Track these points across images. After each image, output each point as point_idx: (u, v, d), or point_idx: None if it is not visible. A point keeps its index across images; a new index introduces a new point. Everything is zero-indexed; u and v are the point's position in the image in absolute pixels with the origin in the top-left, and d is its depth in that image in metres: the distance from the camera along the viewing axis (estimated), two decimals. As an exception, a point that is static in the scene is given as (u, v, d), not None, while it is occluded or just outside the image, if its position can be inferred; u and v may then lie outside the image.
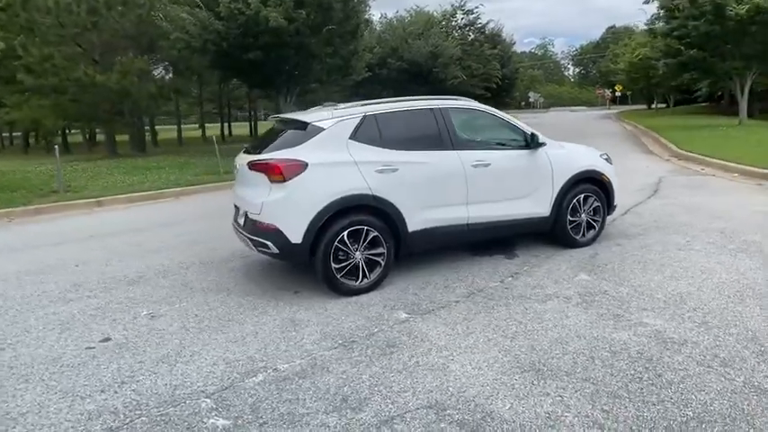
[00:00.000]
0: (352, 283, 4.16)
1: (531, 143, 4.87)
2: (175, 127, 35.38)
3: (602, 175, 5.28)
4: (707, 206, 6.93)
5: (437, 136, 4.55)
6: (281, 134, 4.50)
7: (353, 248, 4.12)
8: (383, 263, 4.25)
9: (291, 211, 3.98)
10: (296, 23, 14.59)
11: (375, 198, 4.15)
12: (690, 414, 2.41)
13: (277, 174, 3.96)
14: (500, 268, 4.71)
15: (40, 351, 3.43)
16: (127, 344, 3.49)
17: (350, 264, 4.13)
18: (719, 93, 34.88)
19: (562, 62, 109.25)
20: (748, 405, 2.46)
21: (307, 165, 3.96)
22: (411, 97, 4.78)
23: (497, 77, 33.33)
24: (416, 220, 4.33)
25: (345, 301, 4.06)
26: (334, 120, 4.19)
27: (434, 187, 4.43)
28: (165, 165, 15.06)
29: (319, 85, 19.13)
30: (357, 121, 4.25)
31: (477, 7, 34.07)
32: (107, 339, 3.58)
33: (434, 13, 31.56)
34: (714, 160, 11.01)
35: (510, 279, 4.42)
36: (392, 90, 25.78)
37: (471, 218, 4.61)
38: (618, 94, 57.00)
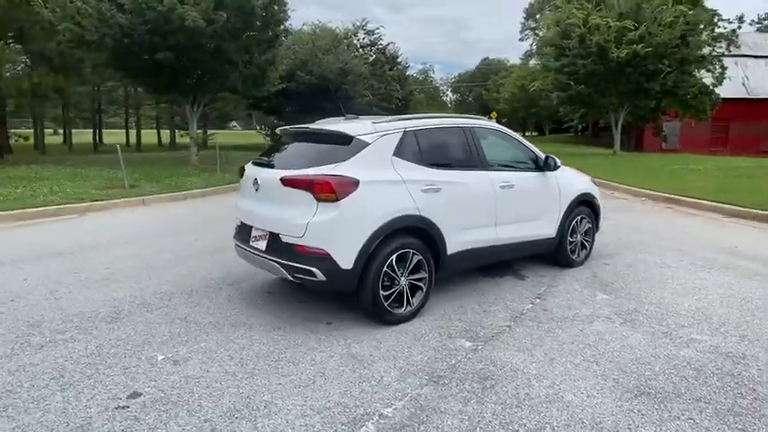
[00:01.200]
0: (397, 311, 3.91)
1: (544, 166, 5.06)
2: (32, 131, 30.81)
3: (594, 198, 5.67)
4: (645, 226, 7.79)
5: (469, 155, 4.52)
6: (310, 146, 4.13)
7: (399, 273, 3.88)
8: (425, 288, 4.07)
9: (344, 233, 3.63)
10: (215, 25, 13.67)
11: (422, 219, 3.96)
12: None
13: (327, 192, 3.60)
14: (520, 289, 4.78)
15: (49, 418, 2.66)
16: (168, 398, 2.86)
17: (395, 290, 3.88)
18: (586, 125, 40.02)
19: (441, 88, 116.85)
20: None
21: (358, 182, 3.66)
22: (429, 114, 4.66)
23: (398, 98, 34.48)
24: (455, 242, 4.22)
25: (393, 331, 3.80)
26: (377, 134, 3.94)
27: (471, 208, 4.37)
28: (48, 176, 12.98)
29: (229, 94, 18.06)
30: (399, 136, 4.05)
31: (377, 28, 35.17)
32: (136, 395, 2.91)
33: (337, 29, 31.85)
34: (619, 185, 12.49)
35: (539, 300, 4.50)
36: (298, 105, 25.34)
37: (498, 239, 4.62)
38: (494, 121, 62.58)
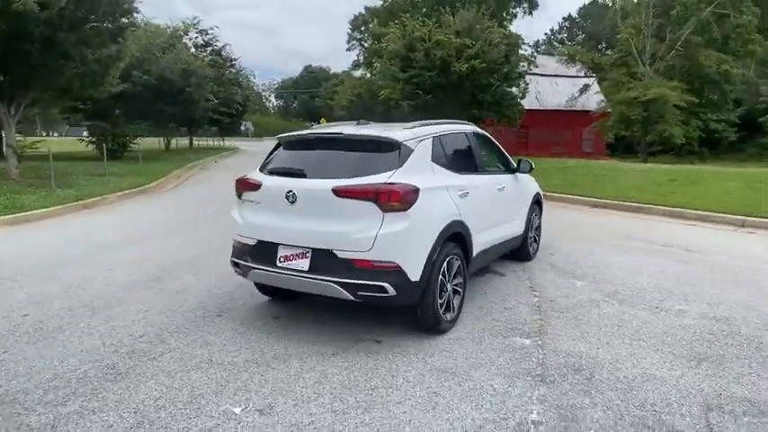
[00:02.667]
0: (447, 317, 3.87)
1: (517, 168, 5.48)
2: None
3: (541, 195, 6.33)
4: (581, 222, 8.82)
5: (474, 160, 4.68)
6: (346, 154, 3.82)
7: (447, 280, 3.86)
8: (462, 292, 4.11)
9: (413, 244, 3.47)
10: (50, 11, 11.38)
11: (462, 224, 4.00)
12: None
13: (395, 201, 3.40)
14: (511, 285, 5.12)
15: None
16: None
17: (445, 298, 3.84)
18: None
19: (264, 93, 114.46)
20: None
21: (419, 190, 3.53)
22: (429, 121, 4.66)
23: (238, 102, 32.78)
24: (477, 243, 4.34)
25: (448, 339, 3.78)
26: (417, 139, 3.86)
27: (486, 211, 4.55)
28: None
29: (55, 94, 15.10)
30: (431, 142, 4.02)
31: (212, 28, 32.85)
32: (261, 458, 2.39)
33: (165, 27, 28.93)
34: None
35: (537, 293, 4.88)
36: (134, 108, 22.37)
37: (496, 239, 4.88)
38: None
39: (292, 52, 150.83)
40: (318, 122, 65.23)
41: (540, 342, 3.73)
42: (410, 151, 3.72)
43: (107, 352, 3.57)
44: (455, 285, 3.99)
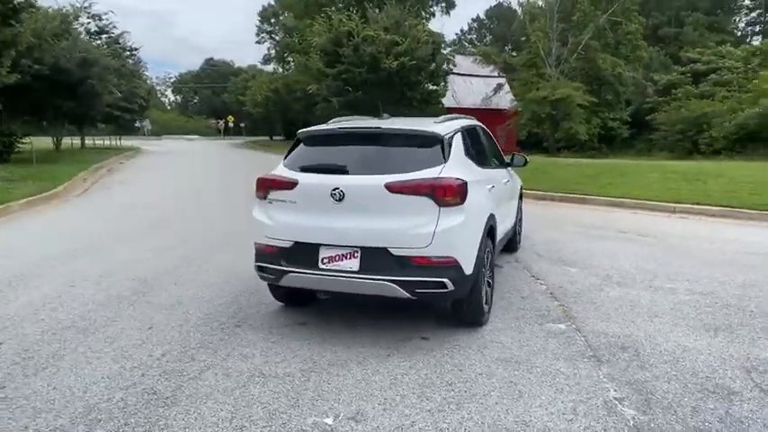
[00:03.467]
0: (485, 309, 3.98)
1: (510, 163, 5.73)
2: None
3: (522, 188, 6.67)
4: (539, 214, 9.19)
5: (485, 154, 4.84)
6: (387, 149, 3.78)
7: (486, 272, 3.97)
8: (492, 284, 4.24)
9: (468, 238, 3.53)
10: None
11: (494, 218, 4.13)
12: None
13: (451, 195, 3.43)
14: (515, 275, 5.37)
15: None
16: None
17: (484, 290, 3.95)
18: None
19: (158, 88, 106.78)
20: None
21: (467, 184, 3.59)
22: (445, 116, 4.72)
23: (141, 97, 30.40)
24: (498, 236, 4.50)
25: (490, 331, 3.89)
26: (452, 133, 3.91)
27: (502, 204, 4.73)
28: None
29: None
30: (461, 135, 4.09)
31: (106, 13, 29.93)
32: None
33: (49, 10, 25.97)
34: None
35: (542, 281, 5.16)
36: (25, 103, 19.86)
37: (505, 231, 5.09)
38: (231, 124, 62.03)
39: (188, 43, 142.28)
40: (225, 120, 62.50)
41: (574, 326, 3.96)
42: (450, 145, 3.77)
43: (135, 375, 3.22)
44: (488, 278, 4.11)
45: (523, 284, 5.03)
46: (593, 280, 5.17)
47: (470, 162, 4.10)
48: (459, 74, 43.34)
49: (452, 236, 3.43)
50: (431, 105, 25.42)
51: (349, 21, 22.46)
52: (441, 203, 3.42)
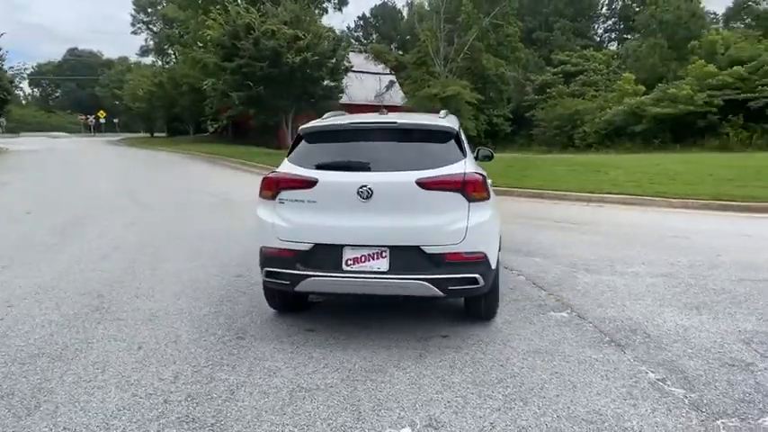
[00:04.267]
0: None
1: (476, 157, 5.82)
2: None
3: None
4: None
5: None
6: (404, 144, 3.65)
7: (496, 267, 4.01)
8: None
9: (493, 232, 3.52)
10: None
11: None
12: None
13: (479, 190, 3.41)
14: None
15: None
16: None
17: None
18: (226, 126, 41.06)
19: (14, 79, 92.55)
20: None
21: (485, 177, 3.60)
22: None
23: (4, 89, 26.07)
24: None
25: (504, 324, 3.94)
26: (458, 127, 3.87)
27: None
28: None
29: None
30: (461, 130, 4.08)
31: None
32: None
33: None
34: None
35: (526, 269, 5.35)
36: None
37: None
38: (102, 120, 56.57)
39: (45, 31, 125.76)
40: (96, 117, 56.42)
41: (575, 314, 4.15)
42: (461, 140, 3.74)
43: (157, 403, 2.80)
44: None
45: (501, 275, 5.17)
46: (563, 268, 5.47)
47: (472, 156, 4.11)
48: (352, 70, 43.69)
49: (482, 231, 3.40)
50: (331, 101, 25.18)
51: (248, 13, 21.40)
52: (470, 199, 3.38)
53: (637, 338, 3.66)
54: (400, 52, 45.40)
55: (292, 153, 3.74)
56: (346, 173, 3.45)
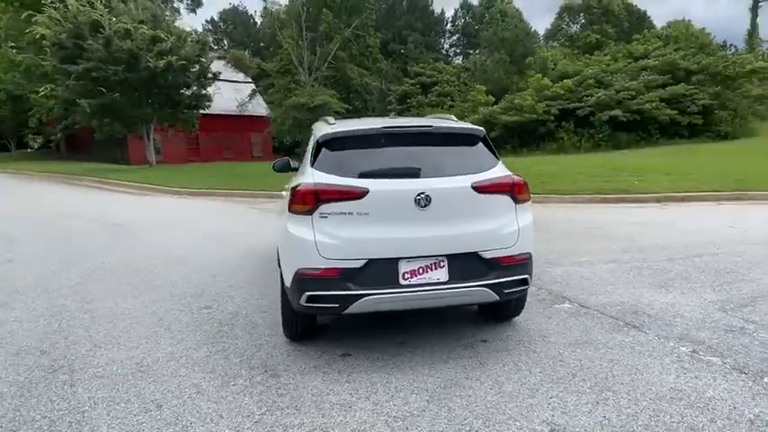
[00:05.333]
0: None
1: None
2: None
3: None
4: None
5: None
6: (441, 148, 3.55)
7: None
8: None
9: (533, 232, 3.57)
10: None
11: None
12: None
13: (524, 192, 3.47)
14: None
15: None
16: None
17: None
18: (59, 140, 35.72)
19: None
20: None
21: None
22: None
23: None
24: None
25: (529, 319, 4.07)
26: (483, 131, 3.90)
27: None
28: None
29: None
30: None
31: None
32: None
33: None
34: (229, 190, 13.62)
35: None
36: None
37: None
38: None
39: None
40: None
41: (577, 304, 4.44)
42: (489, 142, 3.76)
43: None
44: None
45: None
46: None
47: None
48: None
49: (528, 232, 3.48)
50: (197, 111, 23.52)
51: (92, 9, 18.90)
52: (517, 201, 3.43)
53: (644, 319, 4.04)
54: (258, 59, 44.08)
55: (317, 162, 3.41)
56: (398, 180, 3.25)
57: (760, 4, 46.20)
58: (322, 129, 3.69)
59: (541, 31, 53.26)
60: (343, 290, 3.13)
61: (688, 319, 4.00)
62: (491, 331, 3.87)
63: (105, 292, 5.12)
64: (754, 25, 45.45)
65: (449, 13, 69.22)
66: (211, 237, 7.92)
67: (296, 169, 5.71)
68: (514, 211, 3.42)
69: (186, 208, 11.81)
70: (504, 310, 3.91)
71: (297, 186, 3.29)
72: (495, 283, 3.29)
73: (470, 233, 3.27)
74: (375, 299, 3.13)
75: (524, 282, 3.43)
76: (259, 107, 38.13)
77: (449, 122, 3.82)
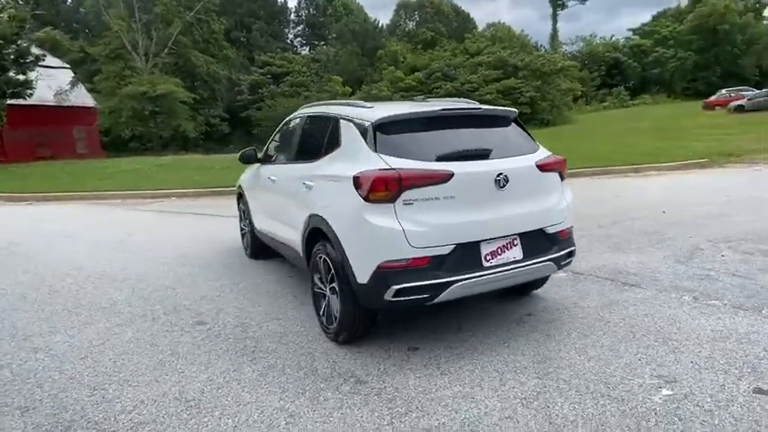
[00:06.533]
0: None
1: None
2: None
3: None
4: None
5: None
6: (486, 130, 3.53)
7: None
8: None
9: None
10: None
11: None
12: None
13: (564, 170, 3.62)
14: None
15: None
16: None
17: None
18: None
19: None
20: None
21: None
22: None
23: None
24: None
25: (558, 286, 4.30)
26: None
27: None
28: None
29: None
30: None
31: None
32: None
33: None
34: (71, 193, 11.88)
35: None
36: None
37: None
38: None
39: None
40: None
41: (570, 271, 4.79)
42: (520, 123, 3.84)
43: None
44: None
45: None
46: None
47: None
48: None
49: (571, 206, 3.66)
50: (17, 99, 19.70)
51: None
52: (562, 178, 3.59)
53: (633, 278, 4.54)
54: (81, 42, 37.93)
55: (378, 146, 3.14)
56: (476, 162, 3.16)
57: (558, 12, 54.46)
58: (365, 112, 3.41)
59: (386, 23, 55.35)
60: (434, 278, 2.96)
61: (664, 274, 4.62)
62: (527, 305, 4.00)
63: (38, 323, 4.07)
64: (555, 30, 53.40)
65: (292, 3, 68.07)
66: (116, 246, 6.75)
67: (260, 160, 5.20)
68: (561, 187, 3.58)
69: (45, 215, 9.83)
70: (533, 283, 4.07)
71: (365, 173, 2.99)
72: (556, 257, 3.42)
73: (537, 211, 3.34)
74: (463, 284, 3.03)
75: (573, 253, 3.61)
76: (82, 97, 33.12)
77: (478, 105, 3.82)
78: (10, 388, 3.05)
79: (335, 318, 3.38)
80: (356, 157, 3.22)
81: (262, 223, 5.10)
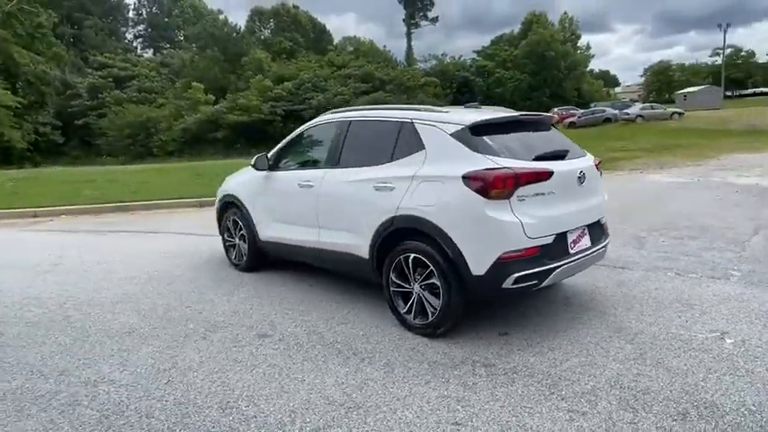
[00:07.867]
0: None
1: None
2: None
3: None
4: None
5: None
6: (544, 134, 4.06)
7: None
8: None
9: None
10: None
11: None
12: None
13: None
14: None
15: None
16: (767, 321, 3.78)
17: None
18: None
19: None
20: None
21: None
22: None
23: None
24: None
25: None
26: None
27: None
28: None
29: None
30: None
31: None
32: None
33: None
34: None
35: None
36: None
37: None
38: None
39: None
40: None
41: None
42: None
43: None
44: None
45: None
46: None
47: None
48: None
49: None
50: None
51: None
52: (600, 175, 4.30)
53: (619, 261, 5.49)
54: None
55: (481, 147, 3.49)
56: (562, 161, 3.67)
57: (412, 32, 58.77)
58: (446, 116, 3.74)
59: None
60: (542, 266, 3.41)
61: (635, 258, 5.66)
62: (554, 293, 4.58)
63: (68, 352, 3.56)
64: (410, 47, 57.50)
65: (130, 0, 62.28)
66: (50, 269, 5.90)
67: (272, 167, 5.11)
68: (600, 182, 4.30)
69: None
70: None
71: (480, 173, 3.33)
72: (606, 244, 4.11)
73: (596, 204, 3.99)
74: (561, 269, 3.53)
75: (607, 242, 4.34)
76: None
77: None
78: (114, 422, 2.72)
79: (431, 313, 3.61)
80: (456, 158, 3.52)
81: (275, 232, 5.00)
